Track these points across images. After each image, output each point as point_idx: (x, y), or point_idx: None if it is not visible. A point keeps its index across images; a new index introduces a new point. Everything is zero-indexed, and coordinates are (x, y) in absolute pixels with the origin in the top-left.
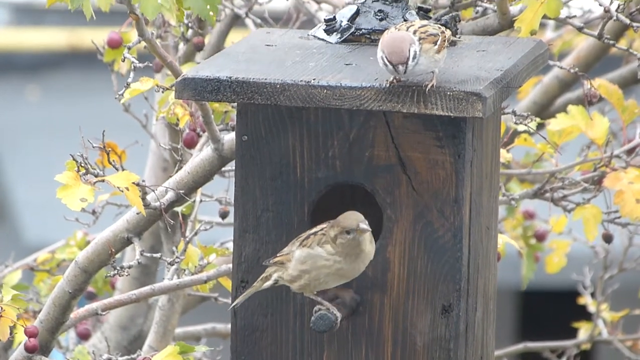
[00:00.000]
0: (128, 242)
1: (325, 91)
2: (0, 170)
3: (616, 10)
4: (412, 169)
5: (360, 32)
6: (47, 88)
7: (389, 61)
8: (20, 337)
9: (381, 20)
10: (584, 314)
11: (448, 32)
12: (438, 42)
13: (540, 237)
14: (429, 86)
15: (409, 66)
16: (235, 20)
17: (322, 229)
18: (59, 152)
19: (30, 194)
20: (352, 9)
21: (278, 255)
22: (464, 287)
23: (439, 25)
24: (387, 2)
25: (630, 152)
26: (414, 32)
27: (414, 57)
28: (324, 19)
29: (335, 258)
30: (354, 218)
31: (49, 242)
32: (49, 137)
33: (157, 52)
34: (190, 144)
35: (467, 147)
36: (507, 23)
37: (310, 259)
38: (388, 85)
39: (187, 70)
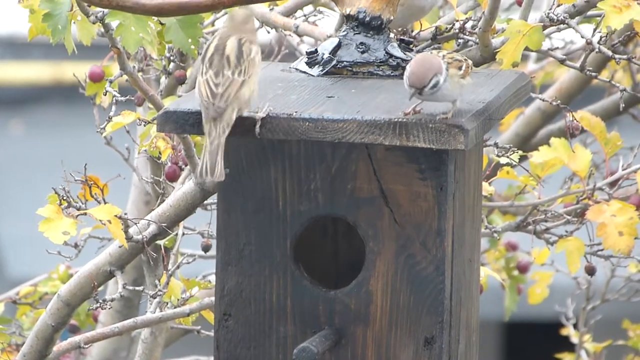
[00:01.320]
0: (110, 275)
1: (307, 124)
2: None
3: (598, 42)
4: (394, 202)
5: (342, 64)
6: (30, 122)
7: (408, 82)
8: None
9: (363, 52)
10: (567, 345)
11: (470, 62)
12: (463, 68)
13: (523, 268)
14: (445, 117)
15: (424, 93)
16: None
17: None
18: (41, 186)
19: (13, 227)
20: (334, 41)
21: None
22: (447, 319)
23: (462, 55)
24: (369, 35)
25: (613, 184)
26: (443, 57)
27: (434, 86)
28: (306, 52)
29: None
30: None
31: (32, 275)
32: (32, 171)
33: (139, 86)
34: (173, 177)
35: (449, 179)
36: (489, 55)
37: None
38: (402, 117)
39: (169, 104)
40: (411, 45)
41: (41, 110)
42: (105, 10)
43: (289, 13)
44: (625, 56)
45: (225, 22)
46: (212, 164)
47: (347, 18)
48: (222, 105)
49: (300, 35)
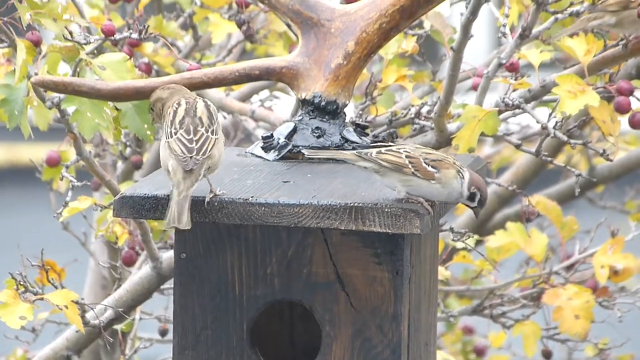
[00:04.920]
0: None
1: (263, 209)
2: None
3: (554, 127)
4: (350, 286)
5: (298, 149)
6: None
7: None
8: None
9: (318, 137)
10: None
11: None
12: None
13: (480, 352)
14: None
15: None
16: None
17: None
18: None
19: None
20: (290, 126)
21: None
22: None
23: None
24: (325, 120)
25: (569, 268)
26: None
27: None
28: (262, 137)
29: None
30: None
31: None
32: None
33: (95, 171)
34: (129, 262)
35: (405, 263)
36: (444, 140)
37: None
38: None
39: (126, 189)
40: (367, 130)
41: None
42: (62, 96)
43: (245, 98)
44: (580, 141)
45: (164, 91)
46: (179, 212)
47: (302, 102)
48: (200, 159)
49: (256, 121)
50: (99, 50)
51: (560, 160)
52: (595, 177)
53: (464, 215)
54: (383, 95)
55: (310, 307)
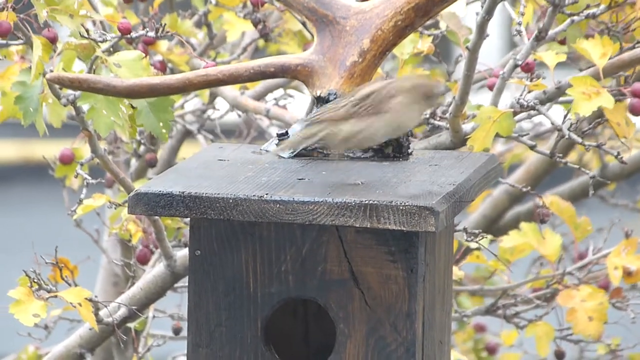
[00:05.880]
0: (81, 357)
1: (277, 206)
2: None
3: (568, 129)
4: (365, 284)
5: (312, 146)
6: None
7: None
8: None
9: None
10: None
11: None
12: None
13: (491, 350)
14: None
15: None
16: (187, 136)
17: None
18: (11, 267)
19: None
20: (304, 124)
21: (329, 112)
22: None
23: None
24: None
25: (582, 269)
26: None
27: None
28: (277, 134)
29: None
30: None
31: (1, 356)
32: (1, 252)
33: (110, 168)
34: (143, 260)
35: (419, 261)
36: (459, 141)
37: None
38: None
39: (140, 186)
40: None
41: (9, 190)
42: (77, 93)
43: (260, 96)
44: (594, 143)
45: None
46: (295, 142)
47: (317, 100)
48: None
49: (270, 118)
50: (114, 48)
51: (572, 158)
52: (607, 176)
53: (475, 213)
54: None
55: (324, 304)
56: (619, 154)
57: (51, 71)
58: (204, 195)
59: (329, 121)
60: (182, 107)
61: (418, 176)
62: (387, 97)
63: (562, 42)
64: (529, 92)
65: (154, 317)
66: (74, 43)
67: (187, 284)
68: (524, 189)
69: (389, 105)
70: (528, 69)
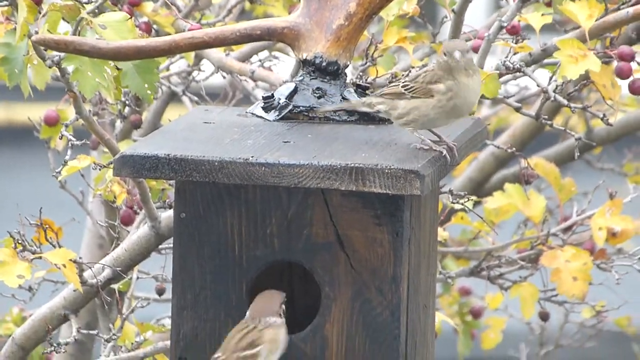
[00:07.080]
0: (65, 319)
1: (263, 169)
2: None
3: (554, 91)
4: (350, 247)
5: (298, 109)
6: None
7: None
8: None
9: (319, 97)
10: None
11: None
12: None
13: (476, 313)
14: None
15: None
16: (172, 98)
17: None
18: None
19: None
20: (290, 86)
21: (389, 87)
22: None
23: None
24: (325, 80)
25: (567, 230)
26: None
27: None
28: (262, 97)
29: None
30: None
31: None
32: None
33: (95, 130)
34: (128, 221)
35: (405, 225)
36: None
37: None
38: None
39: (126, 148)
40: (367, 91)
41: None
42: (62, 55)
43: (245, 58)
44: (580, 105)
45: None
46: (355, 105)
47: (303, 63)
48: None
49: (255, 81)
50: (99, 10)
51: (557, 122)
52: (593, 140)
53: (461, 176)
54: (383, 57)
55: (310, 268)
56: (604, 116)
57: (36, 33)
58: (189, 157)
59: (387, 96)
60: (167, 68)
61: (404, 139)
62: (431, 81)
63: (548, 4)
64: (515, 54)
65: (137, 278)
66: (59, 4)
67: (171, 246)
68: (509, 150)
69: (433, 90)
70: (514, 31)
